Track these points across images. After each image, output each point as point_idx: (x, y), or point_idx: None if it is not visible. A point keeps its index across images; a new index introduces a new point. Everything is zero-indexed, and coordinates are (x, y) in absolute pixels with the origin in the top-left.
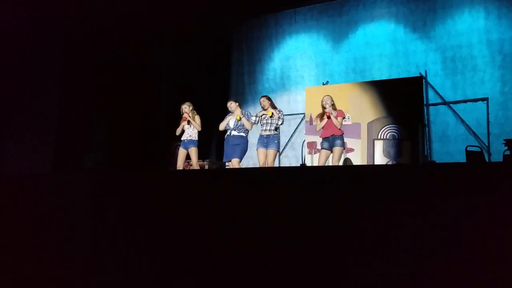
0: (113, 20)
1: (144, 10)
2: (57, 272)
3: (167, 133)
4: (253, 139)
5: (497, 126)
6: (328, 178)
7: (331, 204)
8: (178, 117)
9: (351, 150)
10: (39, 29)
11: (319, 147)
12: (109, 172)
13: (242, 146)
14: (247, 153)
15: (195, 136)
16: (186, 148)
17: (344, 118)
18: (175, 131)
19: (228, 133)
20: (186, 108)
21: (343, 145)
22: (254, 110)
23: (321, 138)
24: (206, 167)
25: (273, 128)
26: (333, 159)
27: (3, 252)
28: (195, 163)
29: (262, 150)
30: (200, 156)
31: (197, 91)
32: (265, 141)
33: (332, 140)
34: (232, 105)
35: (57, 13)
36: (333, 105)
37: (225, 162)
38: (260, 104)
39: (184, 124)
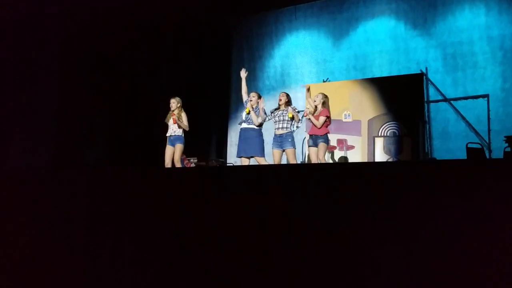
0: (113, 19)
1: (143, 8)
2: (57, 271)
3: (167, 131)
4: (267, 136)
5: (498, 123)
6: (328, 175)
7: (331, 201)
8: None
9: (352, 147)
10: (39, 28)
11: None
12: (109, 169)
13: (256, 140)
14: None
15: (179, 132)
16: (173, 145)
17: (327, 117)
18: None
19: (240, 126)
20: (174, 104)
21: (326, 142)
22: None
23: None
24: None
25: (282, 126)
26: (318, 155)
27: (3, 250)
28: (177, 159)
29: (277, 151)
30: (201, 155)
31: (197, 88)
32: (279, 140)
33: (315, 138)
34: (252, 98)
35: (56, 11)
36: (323, 103)
37: (225, 160)
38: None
39: (170, 121)
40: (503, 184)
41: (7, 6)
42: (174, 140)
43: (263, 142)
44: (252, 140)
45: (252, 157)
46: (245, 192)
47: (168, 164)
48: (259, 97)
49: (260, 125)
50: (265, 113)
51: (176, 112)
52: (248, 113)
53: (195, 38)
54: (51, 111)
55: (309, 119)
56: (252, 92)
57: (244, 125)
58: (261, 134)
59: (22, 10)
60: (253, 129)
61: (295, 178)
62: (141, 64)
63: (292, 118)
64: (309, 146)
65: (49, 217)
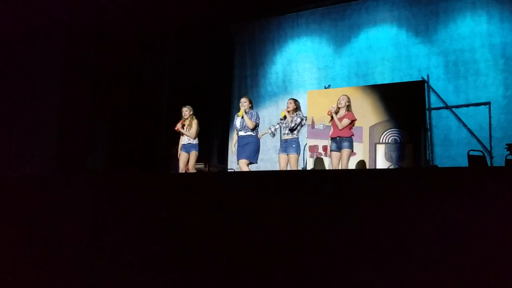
0: (115, 24)
1: (146, 13)
2: (57, 272)
3: (168, 136)
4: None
5: (500, 130)
6: (329, 182)
7: (332, 208)
8: (179, 120)
9: (353, 154)
10: (41, 30)
11: (320, 150)
12: (111, 173)
13: (251, 146)
14: (261, 156)
15: (195, 140)
16: (188, 152)
17: (352, 120)
18: (176, 134)
19: (237, 134)
20: (187, 112)
21: (351, 146)
22: None
23: (329, 138)
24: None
25: (288, 131)
26: (341, 162)
27: (4, 252)
28: (191, 166)
29: (282, 155)
30: (202, 159)
31: (199, 94)
32: (284, 145)
33: (339, 141)
34: (244, 103)
35: (58, 14)
36: (348, 106)
37: (226, 166)
38: None
39: (181, 129)
40: (504, 191)
41: (10, 9)
42: (190, 147)
43: (258, 149)
44: (249, 145)
45: (251, 162)
46: (244, 197)
47: (182, 169)
48: (250, 102)
49: (255, 128)
50: (258, 116)
51: (188, 120)
52: (242, 117)
53: (197, 43)
54: (53, 115)
55: (332, 118)
56: (242, 97)
57: (241, 133)
58: (258, 139)
59: (25, 14)
60: (250, 135)
61: (296, 184)
62: (143, 68)
63: (284, 118)
64: (331, 151)
65: (50, 221)
